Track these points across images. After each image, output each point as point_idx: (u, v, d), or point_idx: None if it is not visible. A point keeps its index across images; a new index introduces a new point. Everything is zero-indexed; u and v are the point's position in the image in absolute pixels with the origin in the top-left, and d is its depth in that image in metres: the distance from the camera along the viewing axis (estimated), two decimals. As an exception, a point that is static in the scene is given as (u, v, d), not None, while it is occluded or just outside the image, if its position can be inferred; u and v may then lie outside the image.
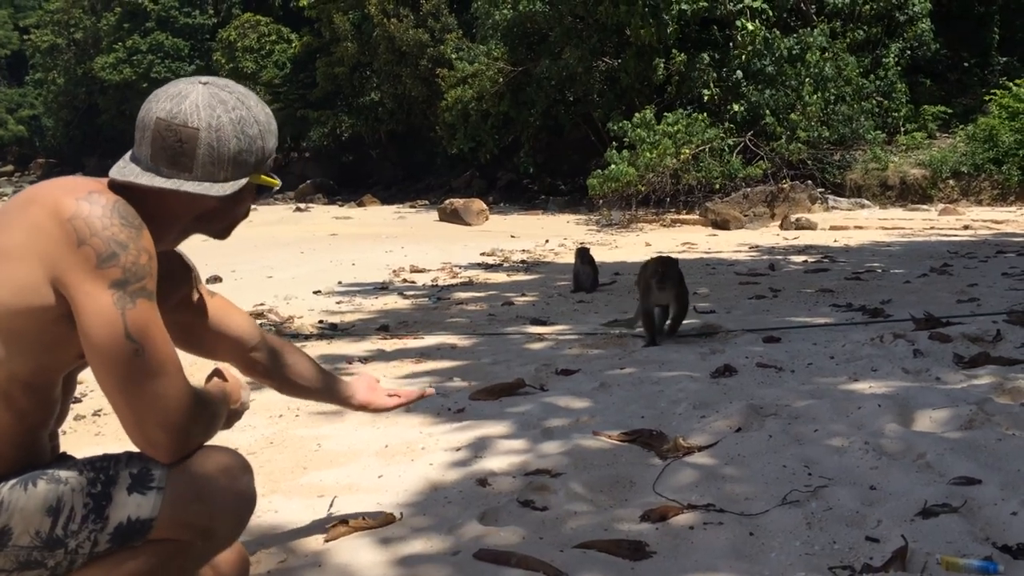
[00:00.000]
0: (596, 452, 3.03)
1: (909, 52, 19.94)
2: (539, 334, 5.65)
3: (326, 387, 2.26)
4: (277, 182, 1.85)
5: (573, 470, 2.87)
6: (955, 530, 2.21)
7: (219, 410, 1.83)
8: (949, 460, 2.66)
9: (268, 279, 9.43)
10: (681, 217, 17.50)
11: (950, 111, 19.96)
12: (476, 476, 2.83)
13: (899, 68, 19.51)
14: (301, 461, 3.12)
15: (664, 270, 4.98)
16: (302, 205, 26.63)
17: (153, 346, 1.60)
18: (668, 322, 5.23)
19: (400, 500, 2.67)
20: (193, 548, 1.72)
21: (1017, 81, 18.32)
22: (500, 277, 9.55)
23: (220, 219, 1.82)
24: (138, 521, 1.64)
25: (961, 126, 19.22)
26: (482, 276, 9.64)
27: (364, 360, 4.94)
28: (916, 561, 2.06)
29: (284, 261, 11.51)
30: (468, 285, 8.85)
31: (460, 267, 10.46)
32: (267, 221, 21.04)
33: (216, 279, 8.97)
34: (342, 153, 32.54)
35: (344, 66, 29.34)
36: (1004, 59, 21.18)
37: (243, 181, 1.74)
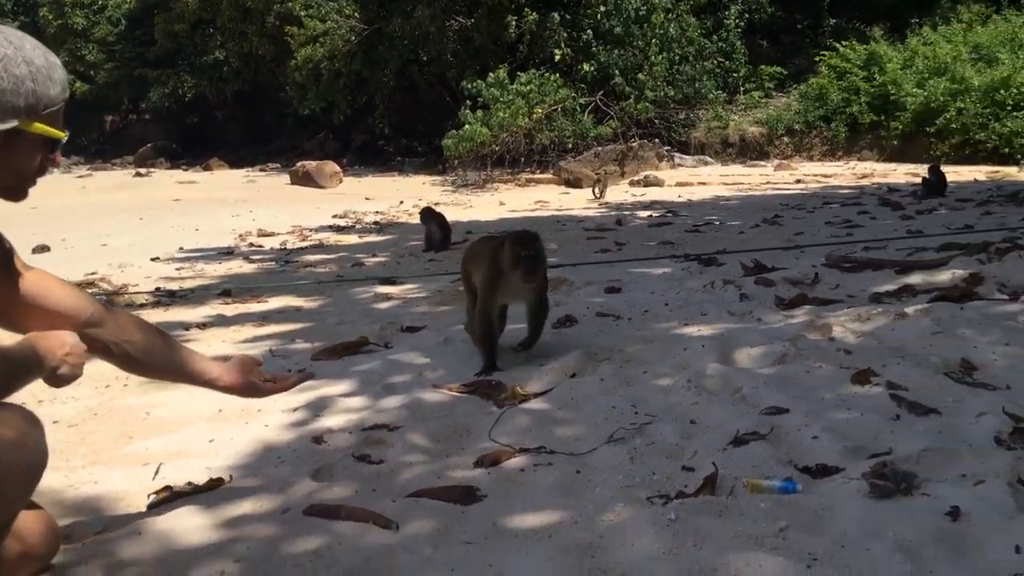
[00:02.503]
0: (435, 405, 3.05)
1: (747, 14, 20.78)
2: (387, 294, 5.61)
3: (181, 366, 2.12)
4: (61, 134, 1.73)
5: (411, 423, 2.88)
6: (762, 455, 2.36)
7: (17, 369, 1.71)
8: (763, 393, 2.84)
9: (102, 247, 8.93)
10: (535, 176, 17.72)
11: (785, 71, 21.00)
12: (312, 434, 2.80)
13: (739, 30, 20.32)
14: (127, 431, 2.99)
15: (535, 251, 3.37)
16: (143, 170, 25.25)
17: None
18: (528, 331, 3.66)
19: (231, 463, 2.61)
20: None
21: (844, 43, 19.46)
22: (352, 239, 9.41)
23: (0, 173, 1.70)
24: None
25: (795, 86, 20.28)
26: (333, 238, 9.47)
27: (202, 326, 4.77)
28: (725, 486, 2.19)
29: (121, 228, 10.92)
30: (318, 247, 8.69)
31: (311, 230, 10.24)
32: (103, 187, 19.90)
33: (44, 248, 8.43)
34: (186, 115, 31.05)
35: (184, 23, 27.84)
36: (834, 21, 22.40)
37: (11, 123, 1.63)
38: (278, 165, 24.57)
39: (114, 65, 30.05)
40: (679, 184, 14.93)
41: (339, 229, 10.43)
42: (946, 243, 5.40)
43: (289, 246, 8.81)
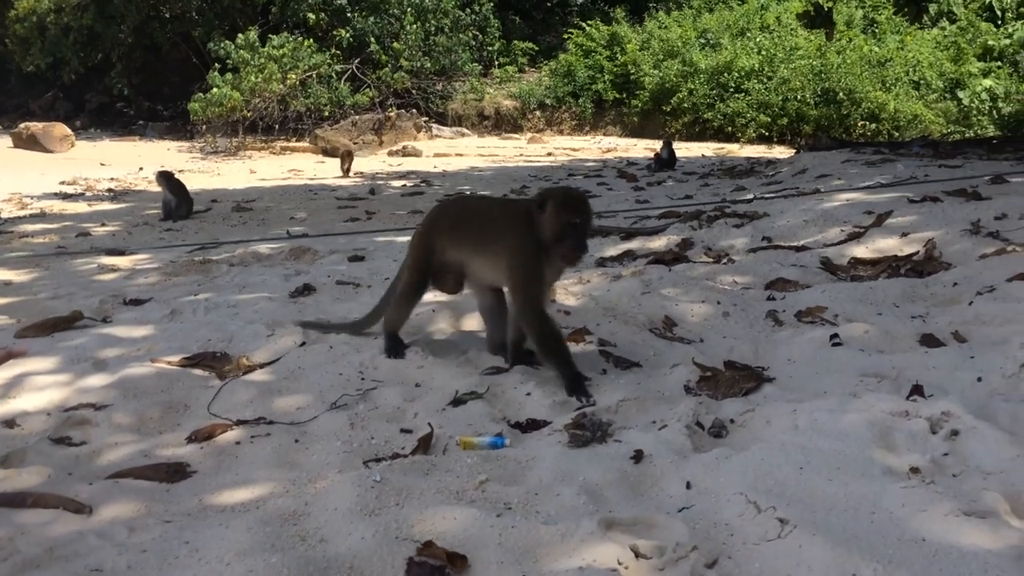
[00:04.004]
0: (151, 380, 2.88)
1: (502, -11, 21.22)
2: (113, 265, 5.21)
3: None
4: None
5: (122, 400, 2.70)
6: (477, 413, 2.45)
7: None
8: (485, 354, 2.94)
9: None
10: (291, 145, 17.17)
11: (537, 47, 21.70)
12: (3, 418, 2.55)
13: (492, 4, 20.70)
14: None
15: (587, 216, 2.54)
16: None
17: None
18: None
19: (-100, 455, 2.32)
20: None
21: (589, 22, 20.42)
22: (80, 207, 8.65)
23: None
24: None
25: (546, 62, 21.01)
26: (58, 207, 8.66)
27: None
28: (439, 445, 2.25)
29: None
30: (39, 216, 7.90)
31: (32, 197, 9.29)
32: None
33: None
34: None
35: None
36: (581, 1, 23.41)
37: None
38: (-2, 126, 21.97)
39: None
40: (437, 155, 15.06)
41: (66, 197, 9.55)
42: (666, 211, 5.86)
43: (5, 215, 7.94)
